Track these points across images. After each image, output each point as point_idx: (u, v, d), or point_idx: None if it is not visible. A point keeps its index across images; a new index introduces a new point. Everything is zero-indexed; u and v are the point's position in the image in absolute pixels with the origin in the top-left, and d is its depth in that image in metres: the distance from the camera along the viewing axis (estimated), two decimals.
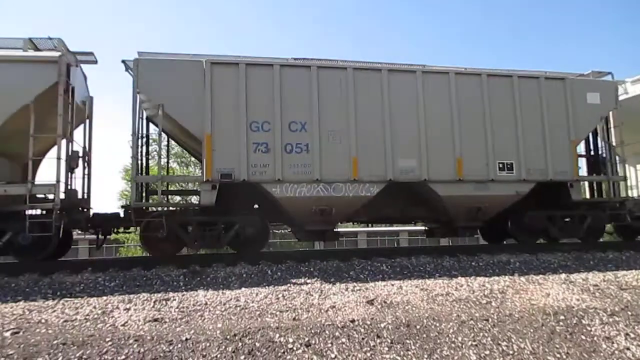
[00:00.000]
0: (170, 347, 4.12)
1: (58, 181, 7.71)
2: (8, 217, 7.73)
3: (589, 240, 9.84)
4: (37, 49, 8.40)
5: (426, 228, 10.97)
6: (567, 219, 9.81)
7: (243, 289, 6.27)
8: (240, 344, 4.21)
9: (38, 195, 8.05)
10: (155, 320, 4.95)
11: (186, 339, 4.26)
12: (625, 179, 10.29)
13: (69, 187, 8.47)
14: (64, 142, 7.85)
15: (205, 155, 8.15)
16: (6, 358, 3.93)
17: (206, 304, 5.55)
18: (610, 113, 10.18)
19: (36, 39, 8.36)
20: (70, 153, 8.47)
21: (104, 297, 5.90)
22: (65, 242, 9.07)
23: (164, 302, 5.61)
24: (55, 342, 4.20)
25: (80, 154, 8.85)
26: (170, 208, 8.24)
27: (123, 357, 3.97)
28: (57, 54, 7.96)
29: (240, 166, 8.17)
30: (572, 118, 9.59)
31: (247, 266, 7.48)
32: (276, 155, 8.30)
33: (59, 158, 7.77)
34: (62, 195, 7.94)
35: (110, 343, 4.19)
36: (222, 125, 8.22)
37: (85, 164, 9.26)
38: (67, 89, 8.15)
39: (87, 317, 5.13)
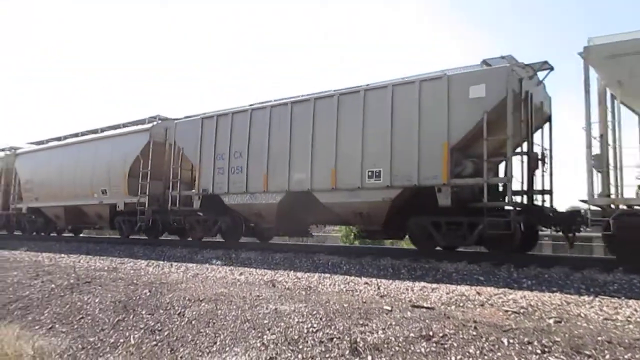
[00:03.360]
0: None
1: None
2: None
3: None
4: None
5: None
6: (453, 225, 9.05)
7: None
8: None
9: None
10: None
11: None
12: (508, 180, 8.31)
13: None
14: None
15: (197, 178, 13.14)
16: (553, 343, 4.04)
17: None
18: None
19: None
20: None
21: None
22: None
23: None
24: (599, 338, 4.13)
25: None
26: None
27: None
28: (149, 125, 14.80)
29: (210, 184, 12.68)
30: (450, 118, 8.93)
31: None
32: (226, 176, 12.33)
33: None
34: None
35: None
36: (205, 158, 12.95)
37: None
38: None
39: (629, 319, 4.98)
